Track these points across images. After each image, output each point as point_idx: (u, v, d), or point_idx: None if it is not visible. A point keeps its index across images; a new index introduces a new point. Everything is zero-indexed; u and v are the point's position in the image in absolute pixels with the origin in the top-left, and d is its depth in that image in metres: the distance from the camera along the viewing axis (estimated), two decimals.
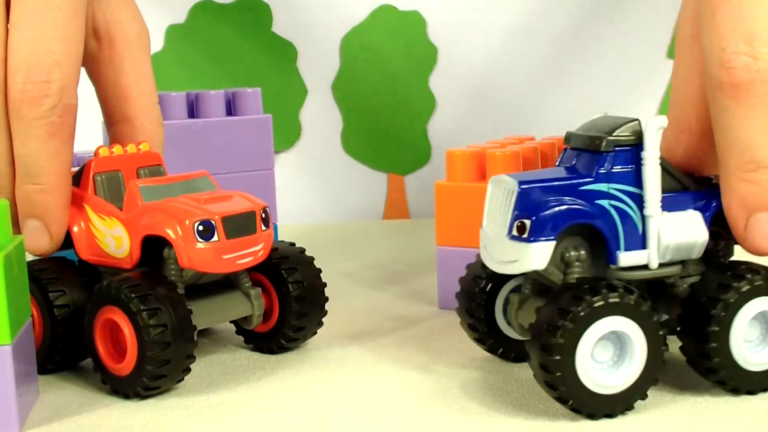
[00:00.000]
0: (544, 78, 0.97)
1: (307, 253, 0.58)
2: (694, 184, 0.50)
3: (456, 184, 0.64)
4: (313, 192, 0.99)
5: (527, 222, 0.47)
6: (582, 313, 0.45)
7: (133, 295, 0.49)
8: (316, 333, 0.59)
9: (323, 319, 0.58)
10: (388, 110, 0.97)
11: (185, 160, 0.68)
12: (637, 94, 0.99)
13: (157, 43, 0.96)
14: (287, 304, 0.56)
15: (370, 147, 0.99)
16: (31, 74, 0.51)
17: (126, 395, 0.51)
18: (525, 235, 0.47)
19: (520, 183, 0.48)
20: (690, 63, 0.52)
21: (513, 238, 0.48)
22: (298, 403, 0.50)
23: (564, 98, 0.98)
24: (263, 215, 0.53)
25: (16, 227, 0.53)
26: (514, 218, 0.48)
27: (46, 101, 0.51)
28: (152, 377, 0.49)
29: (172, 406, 0.50)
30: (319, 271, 0.57)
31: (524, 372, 0.53)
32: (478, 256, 0.55)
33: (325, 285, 0.57)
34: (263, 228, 0.53)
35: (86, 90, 0.58)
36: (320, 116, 0.98)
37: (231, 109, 0.73)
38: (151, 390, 0.50)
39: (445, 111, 0.98)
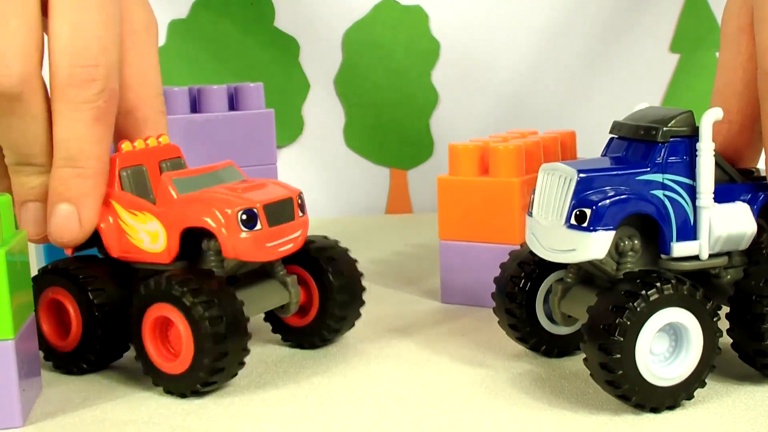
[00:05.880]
0: (547, 72, 0.97)
1: None
2: (741, 176, 0.50)
3: (458, 178, 0.64)
4: (315, 187, 0.99)
5: (587, 211, 0.47)
6: (639, 308, 0.45)
7: (185, 289, 0.48)
8: (354, 325, 0.58)
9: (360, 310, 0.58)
10: (390, 105, 0.97)
11: (188, 154, 0.68)
12: (639, 89, 0.99)
13: (159, 39, 0.96)
14: (329, 295, 0.56)
15: (372, 141, 0.99)
16: (80, 58, 0.51)
17: (182, 395, 0.50)
18: (585, 224, 0.47)
19: (579, 171, 0.48)
20: (735, 55, 0.52)
21: (571, 227, 0.47)
22: (301, 398, 0.50)
23: (566, 92, 0.98)
24: (299, 201, 0.53)
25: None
26: (573, 207, 0.47)
27: (94, 85, 0.51)
28: (210, 371, 0.49)
29: (175, 401, 0.50)
30: (356, 261, 0.58)
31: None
32: (512, 253, 0.55)
33: (362, 275, 0.57)
34: (300, 214, 0.53)
35: None
36: (323, 111, 0.98)
37: (233, 103, 0.73)
38: (208, 386, 0.50)
39: (447, 105, 0.97)
